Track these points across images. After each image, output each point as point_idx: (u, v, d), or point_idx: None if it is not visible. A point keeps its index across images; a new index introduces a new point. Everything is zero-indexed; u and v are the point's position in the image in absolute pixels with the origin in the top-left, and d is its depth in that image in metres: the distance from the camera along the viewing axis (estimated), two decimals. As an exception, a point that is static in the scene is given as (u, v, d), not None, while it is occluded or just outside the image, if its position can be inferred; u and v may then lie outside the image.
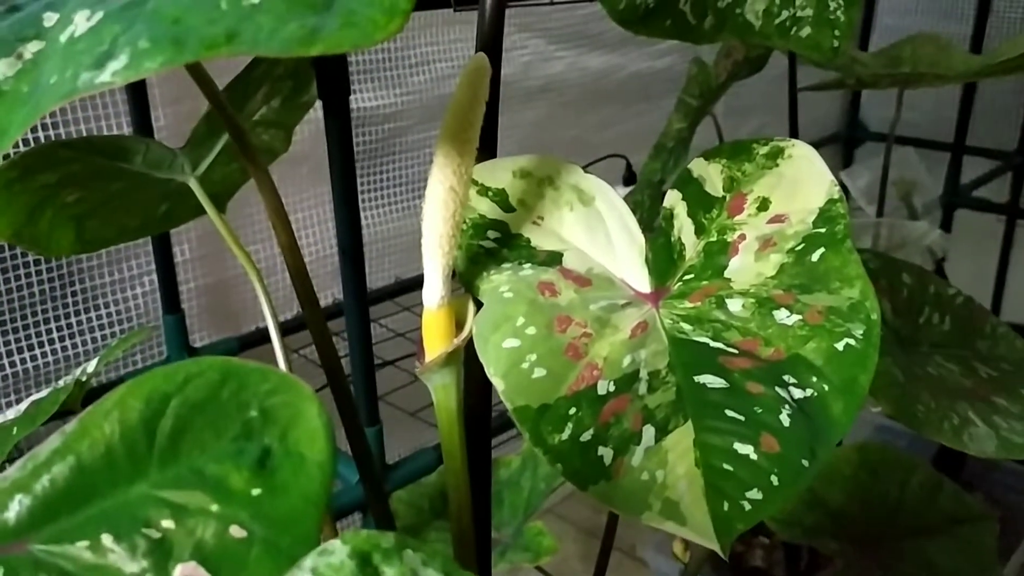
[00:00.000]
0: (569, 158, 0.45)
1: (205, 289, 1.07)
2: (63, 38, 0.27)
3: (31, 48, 0.27)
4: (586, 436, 0.38)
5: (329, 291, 1.15)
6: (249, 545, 0.24)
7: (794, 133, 0.85)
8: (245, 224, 1.08)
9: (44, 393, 0.67)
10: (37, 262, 0.96)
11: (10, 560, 0.24)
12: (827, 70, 0.78)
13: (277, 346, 0.57)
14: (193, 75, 0.44)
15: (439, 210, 0.39)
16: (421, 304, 0.41)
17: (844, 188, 0.96)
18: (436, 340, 0.42)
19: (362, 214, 1.00)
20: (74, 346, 1.00)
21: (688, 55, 1.51)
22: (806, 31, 0.67)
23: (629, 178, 1.23)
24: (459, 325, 0.42)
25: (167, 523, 0.24)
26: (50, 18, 0.29)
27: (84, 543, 0.25)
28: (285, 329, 1.12)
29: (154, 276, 1.01)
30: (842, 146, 2.03)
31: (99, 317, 1.01)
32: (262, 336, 1.09)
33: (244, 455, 0.26)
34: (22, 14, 0.30)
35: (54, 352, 0.98)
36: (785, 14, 0.63)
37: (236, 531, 0.24)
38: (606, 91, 1.49)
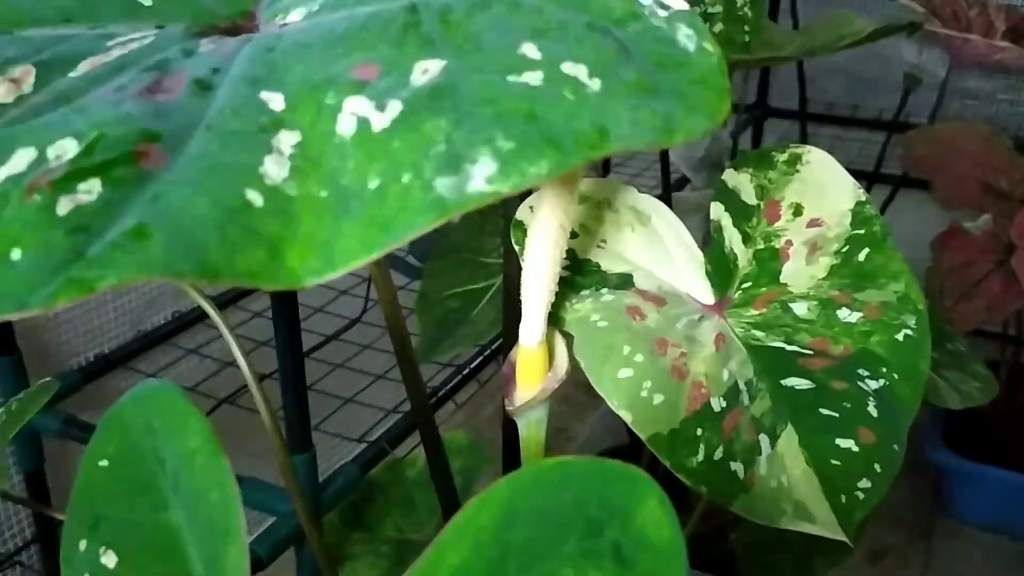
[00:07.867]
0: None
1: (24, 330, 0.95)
2: (343, 131, 0.23)
3: (285, 140, 0.24)
4: (718, 454, 0.40)
5: (171, 310, 1.07)
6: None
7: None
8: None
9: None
10: None
11: None
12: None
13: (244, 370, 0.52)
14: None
15: (550, 249, 0.38)
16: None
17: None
18: (533, 377, 0.41)
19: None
20: None
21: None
22: (719, 27, 0.71)
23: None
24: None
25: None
26: (274, 100, 0.25)
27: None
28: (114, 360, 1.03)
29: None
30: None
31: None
32: (104, 366, 1.00)
33: (596, 553, 0.25)
34: (220, 94, 0.26)
35: None
36: (696, 10, 0.67)
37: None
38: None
